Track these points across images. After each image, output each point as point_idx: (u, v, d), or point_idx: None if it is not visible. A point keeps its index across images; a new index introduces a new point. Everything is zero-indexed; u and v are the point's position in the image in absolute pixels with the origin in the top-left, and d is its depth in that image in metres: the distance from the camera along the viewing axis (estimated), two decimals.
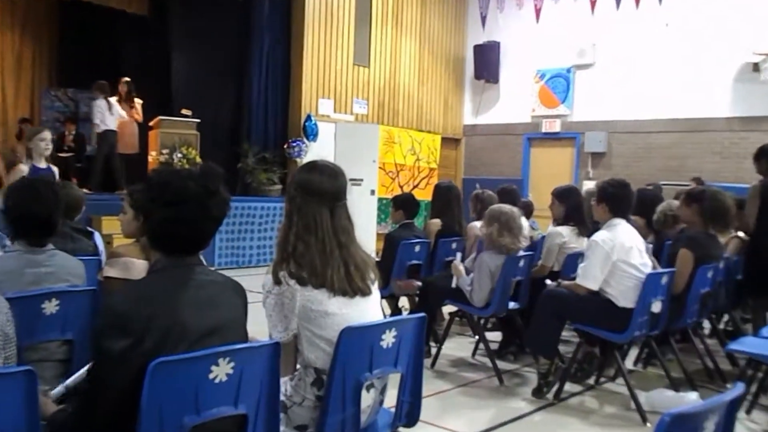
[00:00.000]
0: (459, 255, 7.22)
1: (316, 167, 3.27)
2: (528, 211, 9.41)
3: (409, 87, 17.38)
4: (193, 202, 2.47)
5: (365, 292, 3.27)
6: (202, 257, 2.81)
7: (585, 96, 16.84)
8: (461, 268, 6.77)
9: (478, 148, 18.66)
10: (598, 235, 5.89)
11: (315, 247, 3.17)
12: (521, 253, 6.66)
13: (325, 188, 3.20)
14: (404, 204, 8.12)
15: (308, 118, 14.82)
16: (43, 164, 8.01)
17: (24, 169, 7.77)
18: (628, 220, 6.06)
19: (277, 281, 3.15)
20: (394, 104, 17.03)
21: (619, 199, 5.89)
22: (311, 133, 14.85)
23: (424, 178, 17.47)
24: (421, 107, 17.79)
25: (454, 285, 6.73)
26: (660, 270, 6.16)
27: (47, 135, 8.13)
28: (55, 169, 8.24)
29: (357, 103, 16.11)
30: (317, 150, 14.20)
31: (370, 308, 3.29)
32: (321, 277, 3.14)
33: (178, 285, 2.49)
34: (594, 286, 5.88)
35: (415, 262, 7.86)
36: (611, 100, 16.43)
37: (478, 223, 7.63)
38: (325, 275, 3.14)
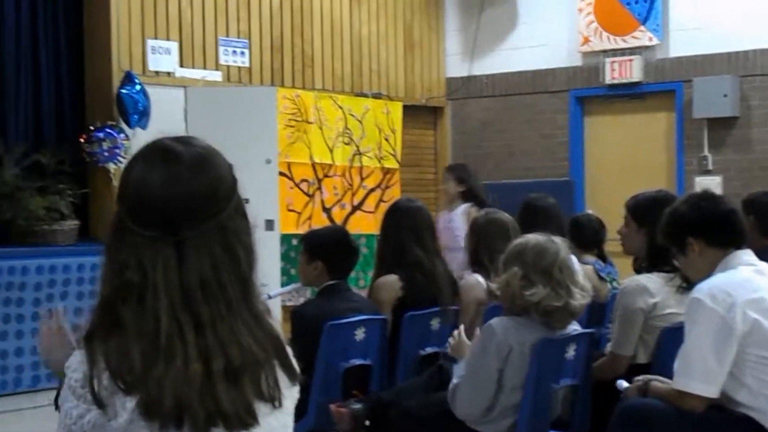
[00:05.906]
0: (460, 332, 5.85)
1: (150, 153, 2.34)
2: (591, 239, 7.49)
3: (336, 13, 14.23)
4: None
5: (243, 424, 2.24)
6: None
7: (689, 9, 13.05)
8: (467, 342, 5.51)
9: (477, 122, 15.77)
10: (704, 288, 4.65)
11: (133, 326, 2.27)
12: (573, 329, 5.25)
13: (155, 196, 2.30)
14: (323, 248, 6.38)
15: (127, 79, 11.37)
16: None
17: None
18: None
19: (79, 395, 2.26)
20: (305, 47, 13.69)
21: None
22: (134, 112, 11.45)
23: (373, 191, 14.07)
24: (360, 49, 14.61)
25: (451, 398, 5.27)
26: None
27: None
28: None
29: (228, 47, 12.80)
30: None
31: None
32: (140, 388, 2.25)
33: None
34: (712, 392, 4.51)
35: (357, 362, 6.30)
36: (744, 12, 12.44)
37: (480, 278, 6.40)
38: (146, 383, 2.21)
